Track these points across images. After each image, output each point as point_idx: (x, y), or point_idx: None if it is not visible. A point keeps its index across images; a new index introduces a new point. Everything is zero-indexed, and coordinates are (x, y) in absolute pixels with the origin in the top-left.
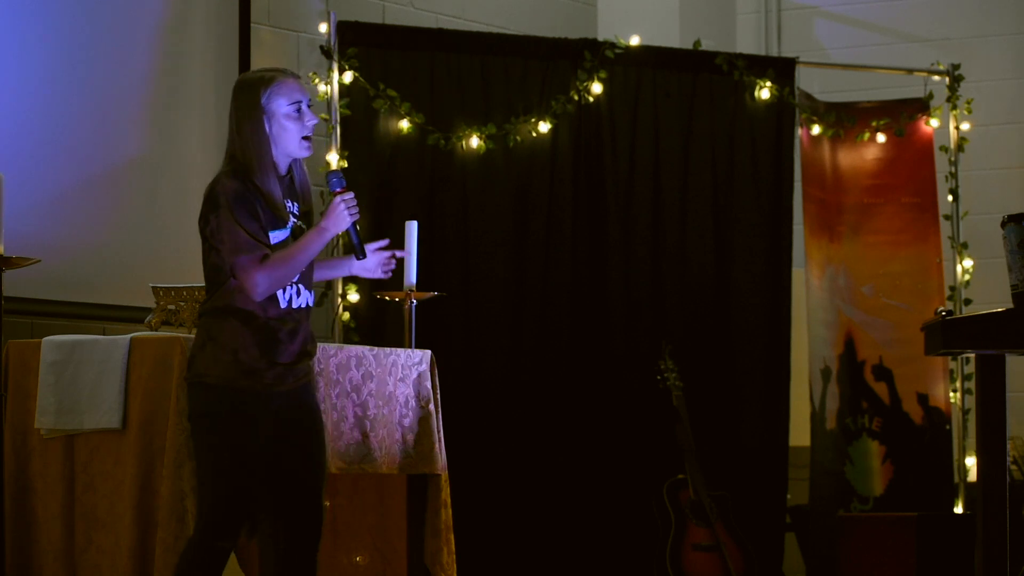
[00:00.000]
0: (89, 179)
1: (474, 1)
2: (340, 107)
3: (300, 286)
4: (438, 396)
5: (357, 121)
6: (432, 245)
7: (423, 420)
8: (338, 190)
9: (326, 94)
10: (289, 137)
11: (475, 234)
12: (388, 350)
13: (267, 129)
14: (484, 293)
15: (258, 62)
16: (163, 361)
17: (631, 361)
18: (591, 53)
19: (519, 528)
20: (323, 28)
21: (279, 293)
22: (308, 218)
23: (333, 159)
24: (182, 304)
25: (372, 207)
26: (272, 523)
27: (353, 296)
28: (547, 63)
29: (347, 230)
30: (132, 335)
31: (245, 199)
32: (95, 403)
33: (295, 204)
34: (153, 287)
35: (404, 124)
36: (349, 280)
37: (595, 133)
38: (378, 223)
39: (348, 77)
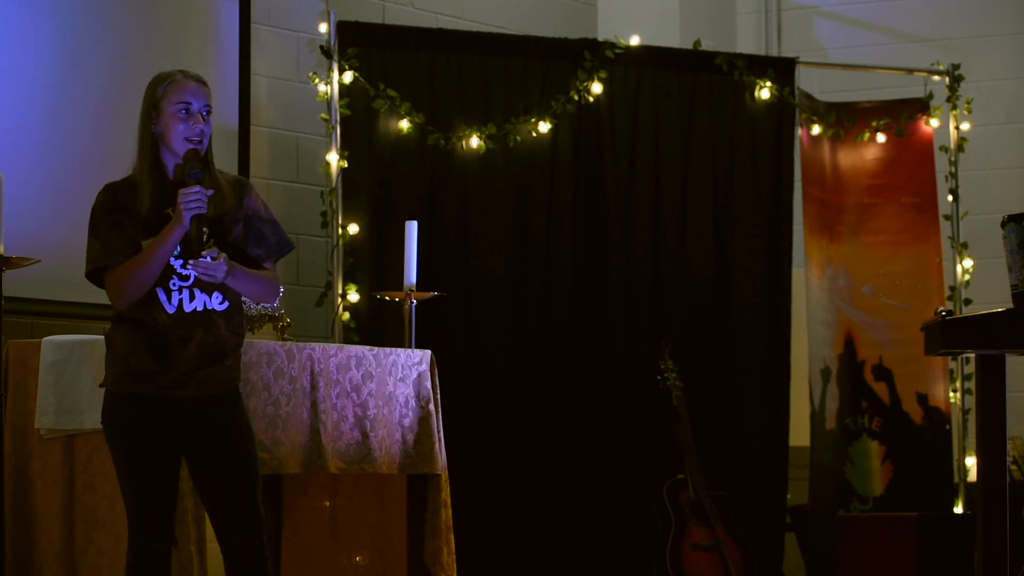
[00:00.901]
0: (89, 179)
1: (474, 1)
2: (340, 107)
3: (195, 290)
4: (438, 396)
5: (357, 121)
6: (432, 245)
7: (423, 420)
8: (191, 182)
9: (326, 94)
10: (174, 136)
11: (475, 234)
12: (388, 350)
13: (154, 127)
14: (484, 293)
15: (258, 62)
16: None
17: (631, 361)
18: (591, 53)
19: (519, 528)
20: (323, 28)
21: (163, 298)
22: (218, 222)
23: (333, 159)
24: None
25: (372, 207)
26: (215, 530)
27: (353, 296)
28: (547, 63)
29: (191, 226)
30: None
31: (109, 211)
32: (95, 403)
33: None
34: None
35: (404, 124)
36: (349, 280)
37: (595, 133)
38: (378, 223)
39: (348, 77)
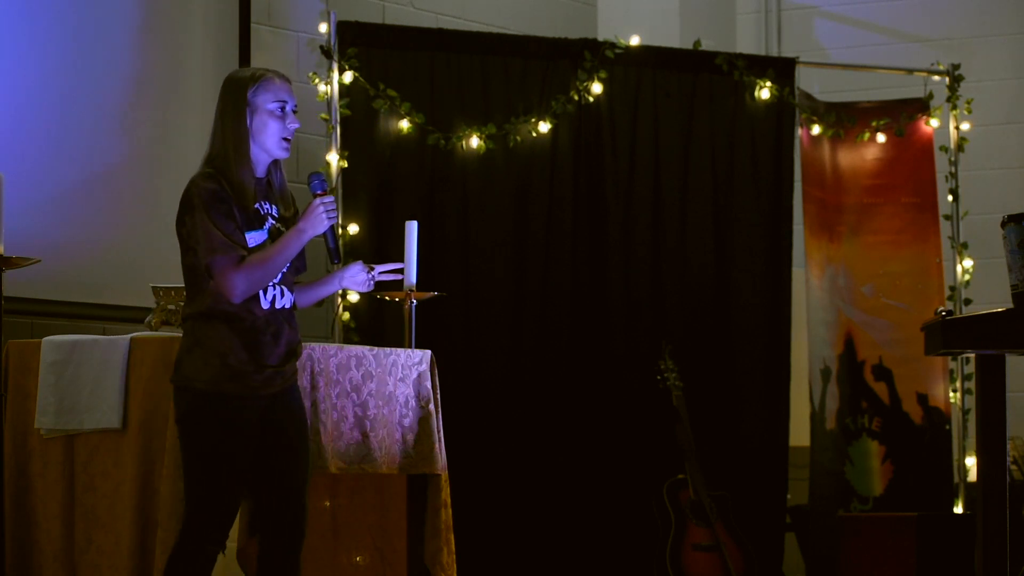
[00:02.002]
0: (89, 179)
1: (474, 1)
2: (340, 107)
3: (282, 287)
4: (438, 396)
5: (357, 121)
6: (432, 245)
7: (423, 420)
8: (318, 192)
9: (326, 94)
10: (269, 134)
11: (475, 234)
12: (388, 350)
13: (248, 123)
14: (484, 293)
15: (258, 62)
16: (163, 361)
17: (631, 361)
18: (591, 53)
19: (519, 528)
20: (323, 28)
21: (261, 294)
22: (288, 222)
23: (333, 159)
24: (182, 304)
25: (372, 207)
26: (260, 522)
27: (353, 296)
28: (547, 63)
29: (324, 233)
30: (132, 335)
31: (220, 200)
32: (95, 403)
33: (274, 207)
34: (153, 287)
35: (404, 124)
36: None
37: (595, 133)
38: (378, 223)
39: (348, 77)
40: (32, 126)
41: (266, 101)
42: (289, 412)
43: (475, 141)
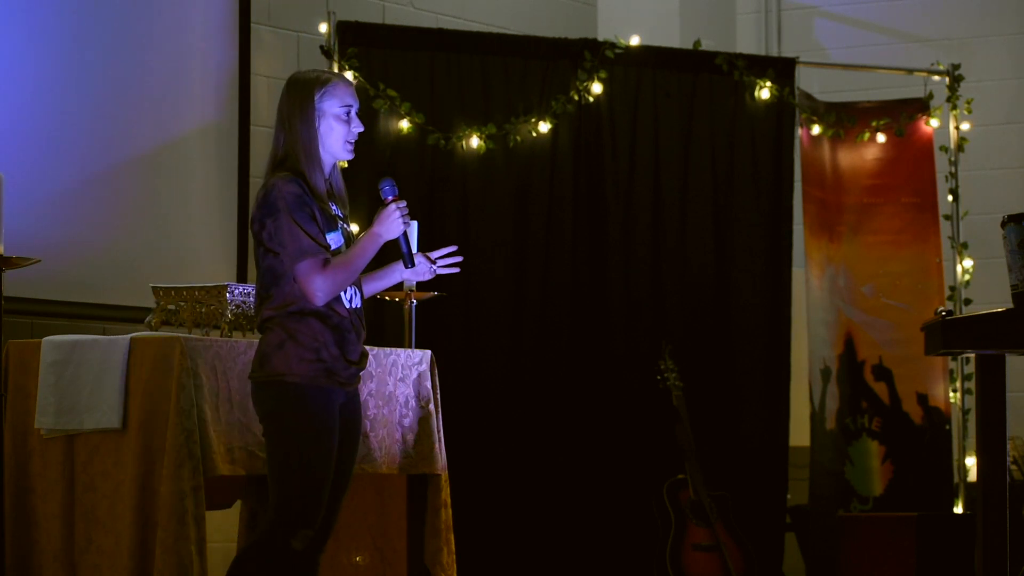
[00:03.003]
0: (89, 179)
1: (474, 1)
2: None
3: (355, 288)
4: (438, 396)
5: None
6: (432, 245)
7: (423, 420)
8: (390, 198)
9: None
10: (335, 138)
11: (475, 234)
12: (388, 350)
13: (317, 127)
14: (484, 293)
15: (258, 62)
16: (163, 361)
17: (631, 361)
18: (591, 53)
19: (519, 528)
20: (323, 28)
21: (342, 294)
22: (347, 222)
23: None
24: (182, 304)
25: (372, 207)
26: None
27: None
28: (547, 63)
29: (397, 237)
30: (132, 335)
31: (304, 203)
32: (95, 403)
33: (337, 207)
34: (153, 287)
35: (404, 124)
36: None
37: (595, 133)
38: None
39: (348, 77)
40: (32, 126)
41: (333, 106)
42: (356, 411)
43: (475, 141)
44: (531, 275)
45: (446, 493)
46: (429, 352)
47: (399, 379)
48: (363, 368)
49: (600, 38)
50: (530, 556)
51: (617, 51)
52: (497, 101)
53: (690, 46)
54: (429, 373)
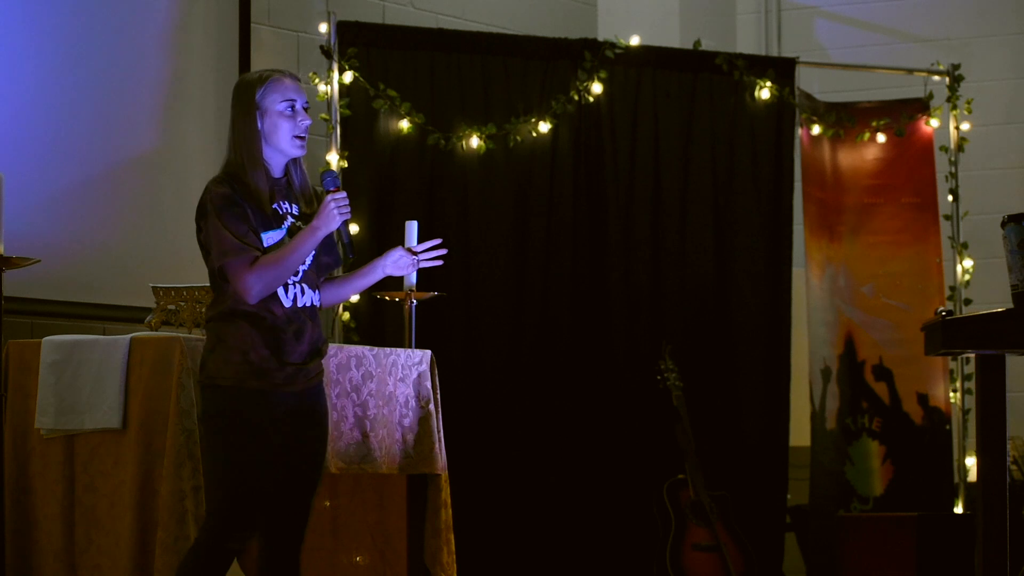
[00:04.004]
0: (89, 179)
1: (474, 1)
2: (340, 107)
3: (304, 285)
4: (438, 396)
5: (357, 121)
6: None
7: (423, 420)
8: (331, 189)
9: (326, 94)
10: (281, 135)
11: (475, 234)
12: (388, 350)
13: (259, 126)
14: (484, 293)
15: (258, 62)
16: (163, 361)
17: (631, 361)
18: (591, 53)
19: (519, 528)
20: (323, 28)
21: (282, 293)
22: (311, 220)
23: (333, 159)
24: (182, 304)
25: (372, 207)
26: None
27: (353, 296)
28: (547, 63)
29: (338, 229)
30: (132, 335)
31: (233, 202)
32: (95, 403)
33: (294, 206)
34: (153, 287)
35: (404, 124)
36: None
37: (595, 133)
38: (378, 223)
39: (348, 77)
40: (32, 126)
41: (275, 102)
42: (313, 411)
43: (475, 141)
44: (531, 275)
45: (446, 493)
46: (429, 352)
47: (399, 379)
48: (310, 367)
49: (600, 38)
50: (530, 556)
51: (617, 51)
52: (497, 101)
53: (690, 46)
54: (429, 373)
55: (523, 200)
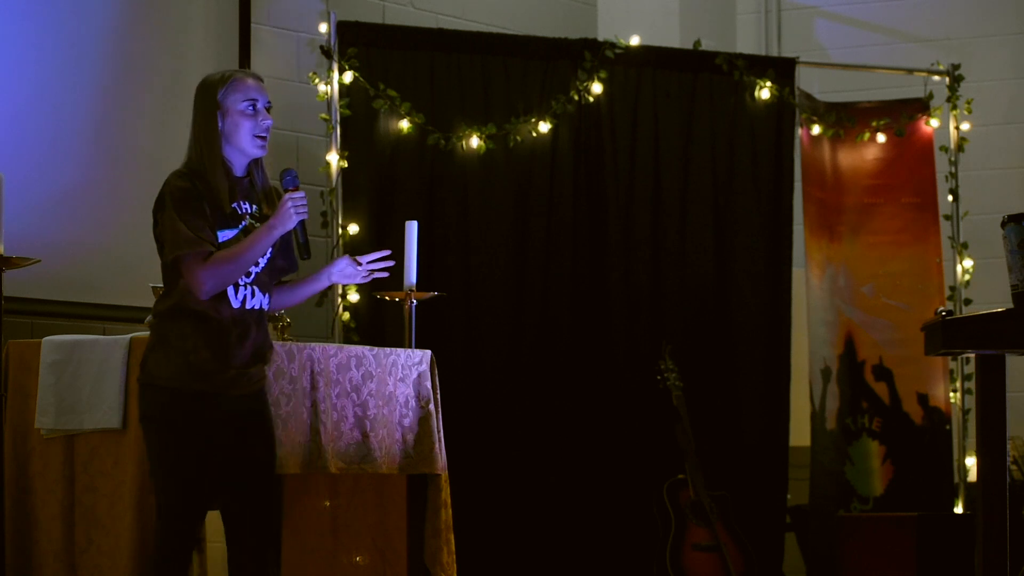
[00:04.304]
0: (89, 179)
1: (474, 1)
2: (340, 107)
3: (254, 287)
4: (438, 396)
5: (357, 121)
6: (432, 245)
7: (423, 420)
8: (289, 188)
9: (326, 94)
10: (242, 134)
11: (475, 234)
12: (388, 350)
13: (220, 125)
14: (484, 293)
15: (258, 62)
16: None
17: (631, 361)
18: (591, 53)
19: (519, 528)
20: (323, 28)
21: (231, 293)
22: (260, 220)
23: (333, 159)
24: None
25: (372, 207)
26: (225, 526)
27: (353, 296)
28: (547, 63)
29: (294, 229)
30: (132, 335)
31: (190, 196)
32: (95, 403)
33: (253, 206)
34: (153, 287)
35: (404, 124)
36: None
37: (595, 133)
38: (378, 223)
39: (348, 77)
40: (32, 127)
41: (236, 101)
42: (257, 415)
43: (475, 141)
44: (531, 275)
45: (446, 493)
46: (429, 352)
47: (399, 379)
48: (252, 371)
49: (600, 38)
50: (530, 556)
51: (617, 51)
52: (497, 101)
53: (690, 46)
54: (429, 373)
55: (523, 200)
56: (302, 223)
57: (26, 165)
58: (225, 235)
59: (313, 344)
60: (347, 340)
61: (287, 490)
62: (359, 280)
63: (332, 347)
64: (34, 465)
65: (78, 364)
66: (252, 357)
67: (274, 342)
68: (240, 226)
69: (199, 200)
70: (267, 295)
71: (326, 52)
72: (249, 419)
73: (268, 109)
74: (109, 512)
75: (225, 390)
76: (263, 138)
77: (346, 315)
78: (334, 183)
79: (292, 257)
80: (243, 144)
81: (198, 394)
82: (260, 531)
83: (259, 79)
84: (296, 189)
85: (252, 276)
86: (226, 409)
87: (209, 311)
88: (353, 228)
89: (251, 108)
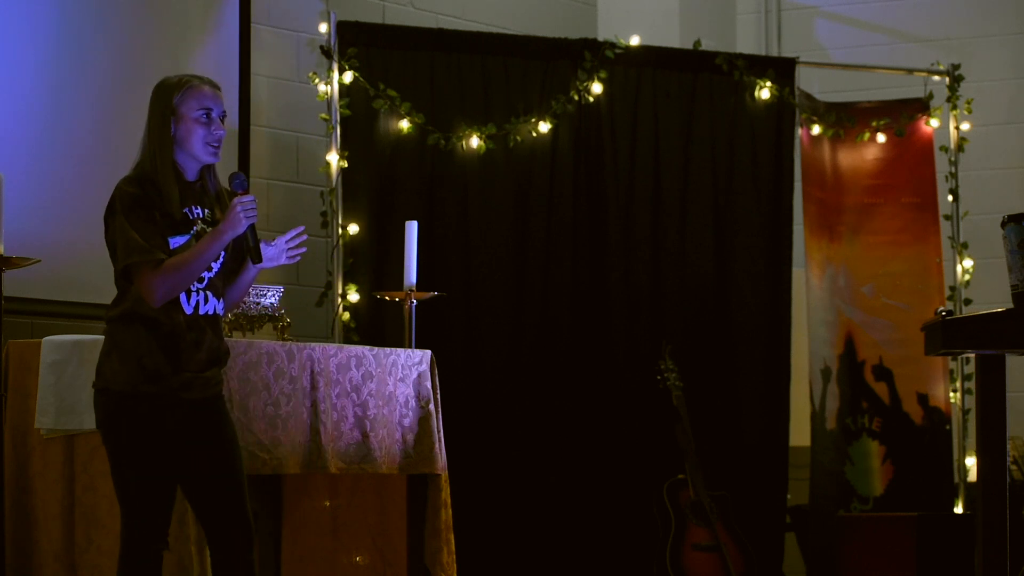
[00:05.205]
0: (89, 179)
1: (474, 1)
2: (340, 107)
3: (207, 293)
4: (438, 396)
5: (357, 121)
6: (432, 245)
7: (423, 420)
8: (238, 192)
9: (326, 94)
10: (195, 140)
11: (475, 234)
12: (388, 350)
13: (172, 130)
14: (484, 293)
15: (258, 62)
16: None
17: (631, 361)
18: (591, 53)
19: (519, 528)
20: (323, 28)
21: (183, 299)
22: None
23: (333, 159)
24: None
25: (372, 207)
26: (204, 532)
27: (353, 296)
28: (547, 63)
29: (244, 233)
30: None
31: (141, 204)
32: None
33: (204, 210)
34: None
35: (404, 124)
36: (349, 280)
37: (595, 133)
38: (378, 223)
39: (348, 77)
40: (32, 126)
41: (191, 108)
42: (216, 418)
43: (475, 141)
44: (531, 275)
45: (446, 493)
46: (429, 352)
47: (399, 379)
48: (207, 375)
49: (600, 38)
50: (530, 556)
51: (617, 51)
52: (497, 101)
53: (690, 46)
54: (429, 373)
55: (523, 200)
56: (252, 227)
57: (26, 165)
58: (176, 241)
59: (313, 344)
60: (347, 340)
61: (287, 490)
62: (284, 261)
63: (332, 347)
64: (34, 465)
65: (78, 364)
66: (207, 361)
67: (274, 342)
68: (192, 231)
69: (149, 207)
70: (221, 300)
71: (326, 52)
72: (206, 422)
73: (223, 118)
74: (109, 512)
75: (179, 393)
76: (215, 147)
77: (346, 315)
78: (334, 183)
79: (244, 261)
80: (195, 151)
81: (153, 396)
82: (238, 534)
83: (216, 87)
84: (245, 192)
85: (205, 282)
86: (181, 413)
87: (161, 317)
88: (353, 228)
89: (205, 116)
